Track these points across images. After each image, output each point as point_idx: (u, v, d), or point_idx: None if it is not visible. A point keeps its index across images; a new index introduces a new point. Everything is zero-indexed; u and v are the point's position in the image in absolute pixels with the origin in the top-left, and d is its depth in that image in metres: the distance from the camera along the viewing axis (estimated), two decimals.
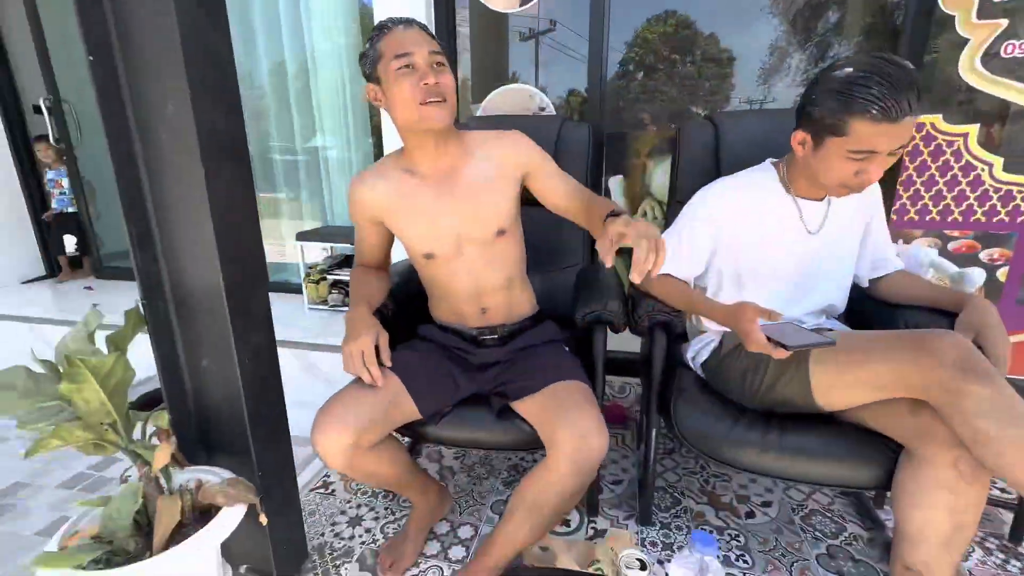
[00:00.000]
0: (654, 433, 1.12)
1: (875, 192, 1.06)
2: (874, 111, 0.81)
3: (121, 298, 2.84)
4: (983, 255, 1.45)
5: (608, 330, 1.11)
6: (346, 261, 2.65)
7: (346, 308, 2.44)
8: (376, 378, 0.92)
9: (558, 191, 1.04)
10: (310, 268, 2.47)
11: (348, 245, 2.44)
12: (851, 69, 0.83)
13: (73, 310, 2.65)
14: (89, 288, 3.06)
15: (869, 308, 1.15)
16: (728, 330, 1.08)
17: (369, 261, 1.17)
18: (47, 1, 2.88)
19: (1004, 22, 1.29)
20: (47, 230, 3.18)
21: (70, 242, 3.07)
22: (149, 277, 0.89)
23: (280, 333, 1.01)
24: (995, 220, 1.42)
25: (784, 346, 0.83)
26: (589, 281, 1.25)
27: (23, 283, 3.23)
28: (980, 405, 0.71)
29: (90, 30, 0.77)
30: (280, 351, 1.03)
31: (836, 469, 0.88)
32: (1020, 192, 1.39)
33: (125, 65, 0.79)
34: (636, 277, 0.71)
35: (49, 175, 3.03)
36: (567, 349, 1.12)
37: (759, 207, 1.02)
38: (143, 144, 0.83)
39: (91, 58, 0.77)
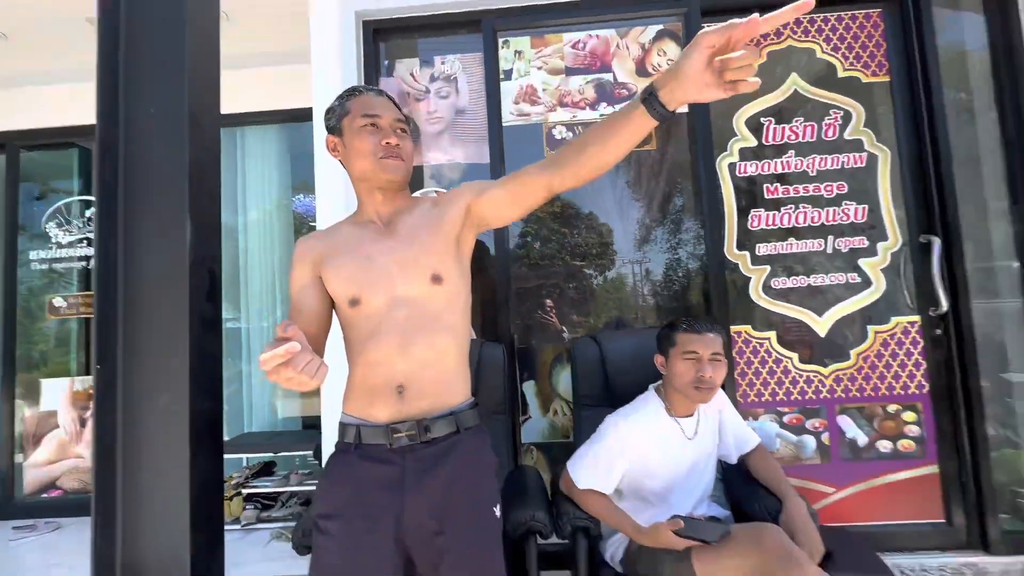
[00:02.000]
0: None
1: (720, 399, 1.44)
2: (684, 326, 1.31)
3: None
4: (808, 424, 1.90)
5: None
6: (264, 470, 2.54)
7: (261, 524, 2.28)
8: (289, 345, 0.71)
9: (491, 189, 0.99)
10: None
11: (270, 454, 2.39)
12: (672, 319, 1.38)
13: None
14: None
15: (740, 489, 1.45)
16: None
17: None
18: None
19: (767, 267, 1.95)
20: None
21: None
22: (103, 558, 0.92)
23: None
24: (806, 398, 1.90)
25: (705, 541, 1.11)
26: (517, 488, 1.42)
27: None
28: None
29: (103, 342, 0.95)
30: None
31: None
32: (816, 376, 1.91)
33: (124, 366, 0.95)
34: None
35: None
36: (496, 513, 0.97)
37: (655, 437, 1.33)
38: (125, 432, 0.95)
39: (98, 367, 0.93)
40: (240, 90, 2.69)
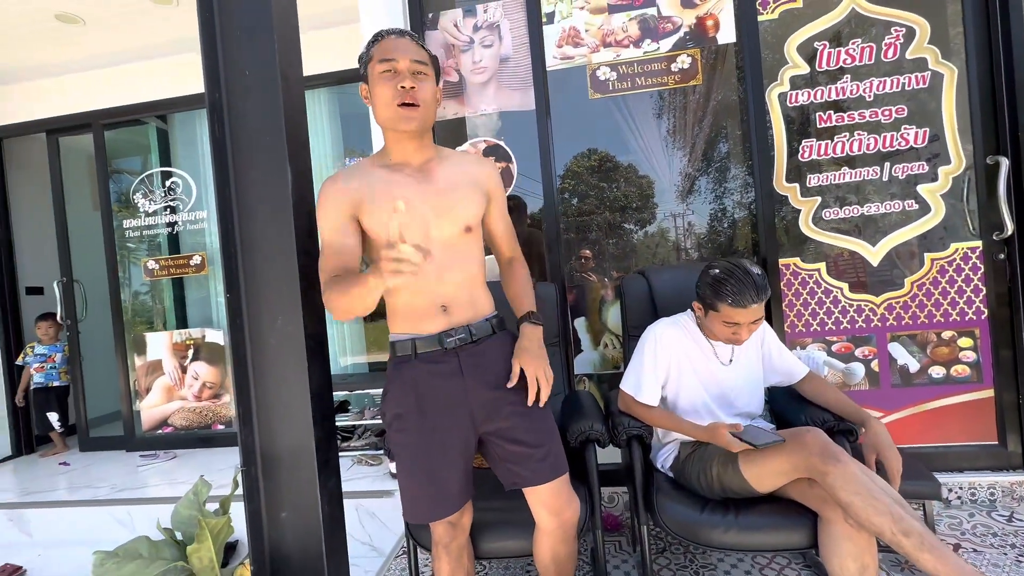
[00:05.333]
0: (646, 530, 1.37)
1: (763, 330, 1.49)
2: (729, 301, 1.28)
3: (104, 468, 2.81)
4: (858, 352, 1.93)
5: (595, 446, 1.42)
6: (339, 408, 2.84)
7: (343, 453, 2.58)
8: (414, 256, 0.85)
9: (498, 226, 1.23)
10: None
11: (344, 393, 2.65)
12: (717, 271, 1.33)
13: (45, 489, 2.60)
14: (65, 464, 3.00)
15: (785, 408, 1.53)
16: (684, 441, 1.41)
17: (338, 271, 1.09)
18: (69, 196, 3.28)
19: (818, 199, 1.93)
20: (28, 407, 3.18)
21: (54, 418, 3.10)
22: (247, 447, 1.14)
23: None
24: (856, 326, 1.92)
25: (754, 446, 1.18)
26: (574, 407, 1.57)
27: None
28: (836, 480, 1.06)
29: (229, 275, 1.13)
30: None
31: (779, 537, 1.17)
32: (867, 305, 1.92)
33: (247, 295, 1.14)
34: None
35: (38, 350, 3.14)
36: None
37: (688, 346, 1.43)
38: (253, 348, 1.14)
39: (228, 295, 1.12)
40: None
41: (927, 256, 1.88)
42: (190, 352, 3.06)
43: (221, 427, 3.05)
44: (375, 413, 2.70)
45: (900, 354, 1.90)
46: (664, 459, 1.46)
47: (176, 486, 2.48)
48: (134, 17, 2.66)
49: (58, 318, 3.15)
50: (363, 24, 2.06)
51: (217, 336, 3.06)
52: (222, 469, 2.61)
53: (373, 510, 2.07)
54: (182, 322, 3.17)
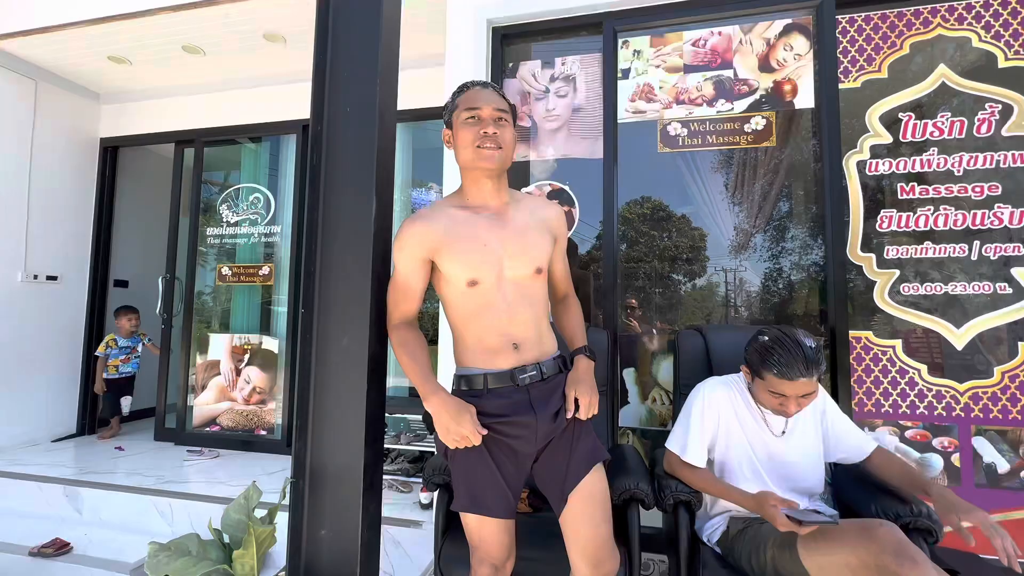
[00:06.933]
0: None
1: (820, 402, 1.39)
2: (775, 372, 1.23)
3: (155, 458, 2.95)
4: (935, 443, 1.76)
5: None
6: None
7: None
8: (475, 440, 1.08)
9: (558, 266, 1.29)
10: None
11: None
12: (766, 339, 1.28)
13: (100, 471, 2.75)
14: (120, 448, 3.18)
15: (852, 492, 1.41)
16: (735, 515, 1.32)
17: (406, 313, 1.19)
18: (158, 201, 3.62)
19: (896, 272, 1.83)
20: (104, 393, 3.43)
21: (127, 403, 3.33)
22: (299, 458, 1.17)
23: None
24: (935, 413, 1.76)
25: (800, 523, 1.10)
26: (618, 463, 1.51)
27: (53, 441, 3.35)
28: None
29: (307, 293, 1.20)
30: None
31: None
32: (948, 391, 1.76)
33: (319, 312, 1.20)
34: None
35: (122, 343, 3.40)
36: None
37: (738, 410, 1.37)
38: (318, 365, 1.19)
39: (303, 310, 1.19)
40: None
41: (1021, 345, 1.72)
42: (246, 356, 3.22)
43: (263, 432, 3.14)
44: (410, 439, 2.70)
45: (987, 451, 1.72)
46: (711, 532, 1.37)
47: (214, 485, 2.56)
48: (247, 51, 2.98)
49: (156, 311, 3.43)
50: (449, 69, 2.21)
51: (273, 344, 3.21)
52: (259, 476, 2.68)
53: (399, 539, 2.04)
54: (242, 327, 3.35)
